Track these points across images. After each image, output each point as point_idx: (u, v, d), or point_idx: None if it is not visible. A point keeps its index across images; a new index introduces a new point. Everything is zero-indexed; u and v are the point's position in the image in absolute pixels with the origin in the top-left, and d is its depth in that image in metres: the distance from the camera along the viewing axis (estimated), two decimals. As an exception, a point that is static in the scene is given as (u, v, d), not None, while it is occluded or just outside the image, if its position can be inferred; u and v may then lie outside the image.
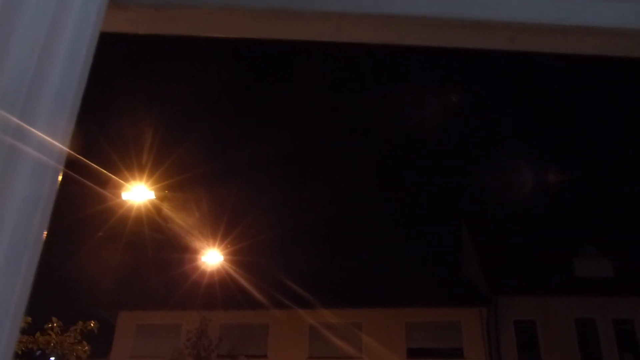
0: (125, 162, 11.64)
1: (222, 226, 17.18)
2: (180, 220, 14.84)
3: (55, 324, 9.62)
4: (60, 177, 0.76)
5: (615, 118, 27.58)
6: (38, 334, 9.43)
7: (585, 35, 0.96)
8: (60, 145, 0.74)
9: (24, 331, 9.12)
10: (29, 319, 9.18)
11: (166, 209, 13.49)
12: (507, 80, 27.36)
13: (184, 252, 17.91)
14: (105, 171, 10.40)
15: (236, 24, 0.99)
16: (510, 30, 0.95)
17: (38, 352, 9.86)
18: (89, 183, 9.67)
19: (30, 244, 0.69)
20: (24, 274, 0.67)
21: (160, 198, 12.53)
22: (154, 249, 17.82)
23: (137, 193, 11.79)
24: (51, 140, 0.73)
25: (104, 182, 10.76)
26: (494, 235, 23.73)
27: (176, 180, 13.08)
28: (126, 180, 11.49)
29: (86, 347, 9.83)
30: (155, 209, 12.79)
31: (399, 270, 23.19)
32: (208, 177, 26.46)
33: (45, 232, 0.73)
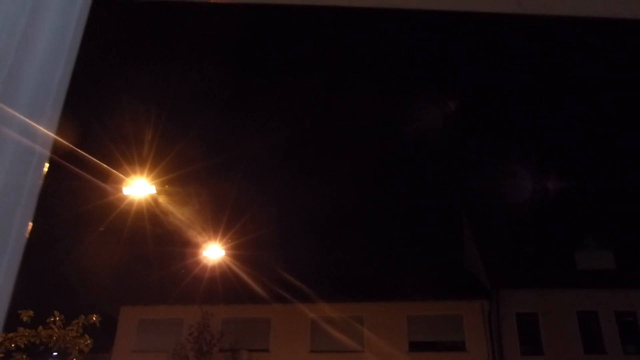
0: (126, 156, 11.64)
1: (223, 220, 17.20)
2: (181, 214, 14.85)
3: (57, 318, 9.63)
4: (46, 163, 0.71)
5: (616, 108, 27.49)
6: (40, 327, 9.44)
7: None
8: (45, 130, 0.70)
9: (26, 325, 9.13)
10: (31, 312, 9.20)
11: (167, 204, 13.49)
12: (505, 74, 27.30)
13: (185, 247, 17.94)
14: (106, 166, 10.40)
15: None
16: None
17: (41, 347, 9.86)
18: (90, 178, 9.67)
19: (14, 232, 0.64)
20: (7, 265, 0.64)
21: (161, 192, 12.54)
22: (156, 243, 17.86)
23: (138, 188, 11.79)
24: (35, 125, 0.68)
25: (105, 177, 10.76)
26: (495, 228, 23.73)
27: (177, 175, 13.09)
28: (127, 175, 11.49)
29: (88, 341, 9.83)
30: (157, 203, 12.80)
31: (401, 264, 23.22)
32: (209, 171, 26.45)
33: (31, 222, 0.68)
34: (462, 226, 25.72)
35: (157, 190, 12.17)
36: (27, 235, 0.67)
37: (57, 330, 9.61)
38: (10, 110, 0.66)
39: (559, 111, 29.00)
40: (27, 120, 0.68)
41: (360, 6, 0.98)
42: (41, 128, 0.69)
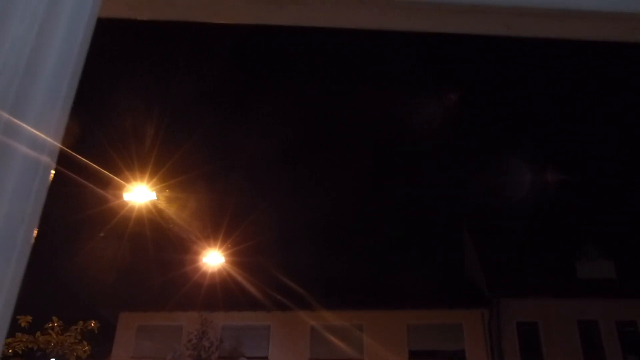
0: (126, 162, 11.65)
1: (223, 227, 17.20)
2: (181, 221, 14.85)
3: (55, 324, 9.62)
4: (52, 174, 0.73)
5: (616, 113, 27.51)
6: (38, 333, 9.43)
7: (583, 19, 0.95)
8: (52, 141, 0.72)
9: (24, 330, 9.13)
10: (30, 318, 9.20)
11: (167, 210, 13.50)
12: (506, 78, 27.33)
13: (185, 253, 17.93)
14: (106, 172, 10.42)
15: (233, 9, 0.99)
16: (506, 16, 0.95)
17: (39, 353, 9.85)
18: (90, 184, 9.69)
19: (20, 241, 0.66)
20: (12, 272, 0.65)
21: (162, 199, 12.55)
22: (155, 249, 17.86)
23: (139, 194, 11.80)
24: (43, 136, 0.71)
25: (105, 183, 10.78)
26: (496, 236, 23.69)
27: (177, 181, 13.09)
28: (127, 181, 11.51)
29: (86, 347, 9.83)
30: (157, 209, 12.81)
31: (401, 272, 23.15)
32: (209, 177, 26.44)
33: (36, 230, 0.70)
34: (463, 234, 25.70)
35: (157, 196, 12.18)
36: (32, 243, 0.69)
37: (55, 336, 9.61)
38: (19, 122, 0.69)
39: (561, 119, 29.04)
40: (35, 131, 0.70)
41: (355, 28, 1.00)
42: (48, 139, 0.71)
